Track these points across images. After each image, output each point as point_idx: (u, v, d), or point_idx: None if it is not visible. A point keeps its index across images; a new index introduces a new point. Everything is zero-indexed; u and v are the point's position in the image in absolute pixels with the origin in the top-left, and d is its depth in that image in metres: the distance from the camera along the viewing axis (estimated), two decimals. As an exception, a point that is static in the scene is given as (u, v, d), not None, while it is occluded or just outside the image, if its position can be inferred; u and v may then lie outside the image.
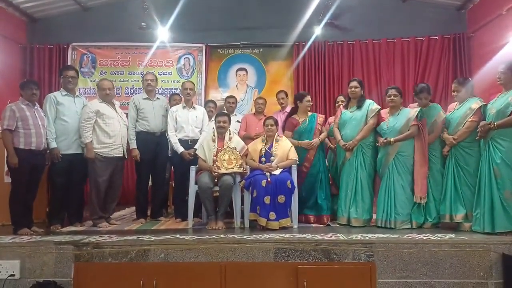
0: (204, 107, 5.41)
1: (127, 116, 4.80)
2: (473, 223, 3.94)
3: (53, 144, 4.30)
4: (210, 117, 5.24)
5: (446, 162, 4.18)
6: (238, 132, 5.37)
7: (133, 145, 4.73)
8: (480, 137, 3.93)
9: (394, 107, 4.42)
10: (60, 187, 4.39)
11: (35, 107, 4.20)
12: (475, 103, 4.06)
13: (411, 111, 4.32)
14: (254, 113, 5.73)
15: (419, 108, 4.32)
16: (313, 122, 4.73)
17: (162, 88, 7.21)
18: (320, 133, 4.76)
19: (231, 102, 5.66)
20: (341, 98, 5.18)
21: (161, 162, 4.93)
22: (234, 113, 5.72)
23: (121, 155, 4.60)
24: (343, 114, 4.61)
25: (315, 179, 4.63)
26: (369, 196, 4.40)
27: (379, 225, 4.25)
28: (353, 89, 4.56)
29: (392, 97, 4.38)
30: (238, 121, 5.63)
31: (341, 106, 4.81)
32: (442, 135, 4.20)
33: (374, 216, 4.46)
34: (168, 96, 6.19)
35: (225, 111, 5.25)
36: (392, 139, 4.24)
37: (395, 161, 4.27)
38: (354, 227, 4.29)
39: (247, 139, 5.05)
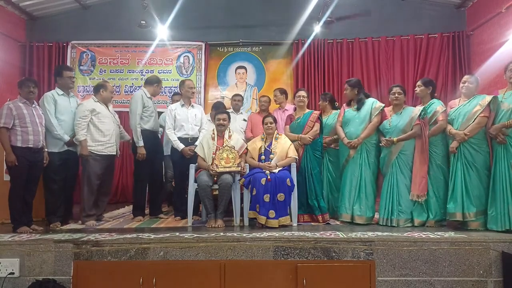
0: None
1: (121, 115, 4.84)
2: (488, 222, 3.87)
3: (66, 137, 4.38)
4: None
5: (453, 159, 4.06)
6: (245, 133, 5.41)
7: (141, 143, 4.65)
8: (499, 141, 3.82)
9: (397, 105, 4.41)
10: (59, 184, 4.40)
11: (33, 105, 4.19)
12: (484, 99, 3.97)
13: (415, 110, 4.30)
14: (259, 112, 5.75)
15: (423, 107, 4.30)
16: (305, 119, 4.67)
17: (162, 87, 7.19)
18: (311, 129, 4.62)
19: (237, 100, 5.74)
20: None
21: (159, 160, 5.05)
22: (240, 111, 5.76)
23: (114, 153, 4.63)
24: (346, 112, 4.61)
25: (304, 177, 4.53)
26: (372, 193, 4.39)
27: (382, 224, 4.25)
28: (345, 91, 4.71)
29: (396, 95, 4.38)
30: (244, 120, 5.64)
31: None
32: (450, 131, 4.08)
33: (377, 214, 4.46)
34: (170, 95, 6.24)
35: (224, 109, 5.25)
36: (395, 139, 4.23)
37: (398, 160, 4.27)
38: (357, 224, 4.29)
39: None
